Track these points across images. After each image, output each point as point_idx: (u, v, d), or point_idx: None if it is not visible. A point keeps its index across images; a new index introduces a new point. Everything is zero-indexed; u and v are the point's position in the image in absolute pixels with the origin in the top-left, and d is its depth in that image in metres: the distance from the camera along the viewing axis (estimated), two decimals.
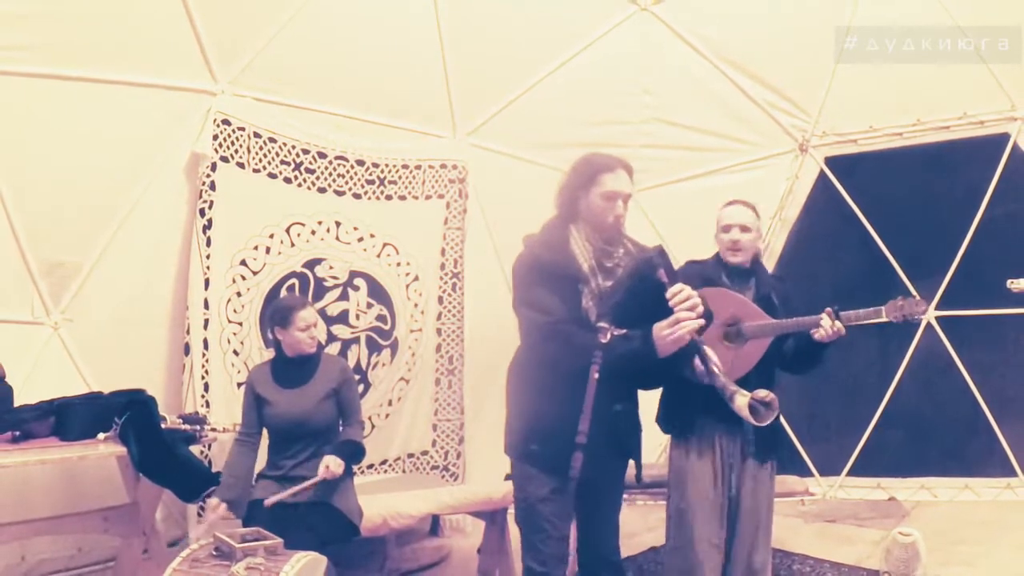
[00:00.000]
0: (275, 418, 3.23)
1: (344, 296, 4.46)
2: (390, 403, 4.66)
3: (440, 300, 4.89)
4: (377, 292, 4.60)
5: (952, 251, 5.17)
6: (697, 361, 2.31)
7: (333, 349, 4.37)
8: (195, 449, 3.57)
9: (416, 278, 4.76)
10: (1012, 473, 5.11)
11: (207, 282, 3.94)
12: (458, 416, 4.92)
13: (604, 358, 2.24)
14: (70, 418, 3.23)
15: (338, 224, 4.43)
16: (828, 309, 2.77)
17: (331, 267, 4.40)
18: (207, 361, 3.94)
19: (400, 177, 4.67)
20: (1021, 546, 4.22)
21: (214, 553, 2.54)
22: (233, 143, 4.01)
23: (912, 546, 3.60)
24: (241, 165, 4.04)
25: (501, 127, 5.07)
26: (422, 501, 3.73)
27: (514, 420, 2.57)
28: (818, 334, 2.77)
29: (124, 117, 3.73)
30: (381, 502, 3.56)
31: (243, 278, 4.08)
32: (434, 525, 4.63)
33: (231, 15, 3.97)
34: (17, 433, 3.13)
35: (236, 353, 4.05)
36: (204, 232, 3.92)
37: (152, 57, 3.78)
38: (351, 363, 4.35)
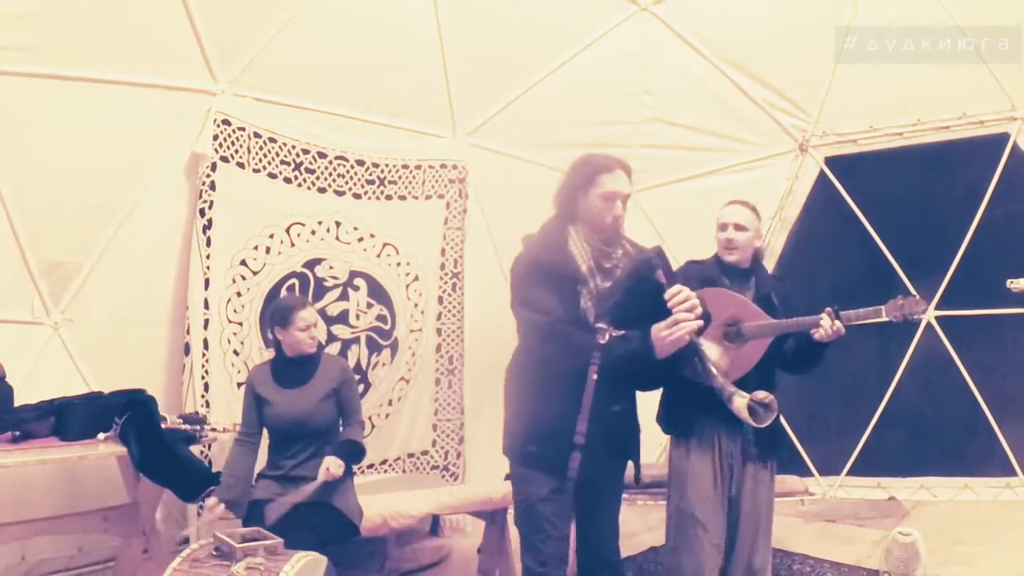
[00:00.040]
0: (275, 418, 3.23)
1: (344, 296, 4.46)
2: (390, 403, 4.66)
3: (440, 300, 4.89)
4: (377, 292, 4.60)
5: (952, 251, 5.17)
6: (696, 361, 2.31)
7: (333, 349, 4.37)
8: (195, 449, 3.56)
9: (416, 278, 4.76)
10: (1012, 473, 5.11)
11: (207, 282, 3.94)
12: (458, 416, 4.92)
13: (602, 359, 2.24)
14: (70, 418, 3.23)
15: (338, 224, 4.43)
16: (828, 309, 2.77)
17: (331, 267, 4.40)
18: (207, 361, 3.94)
19: (400, 177, 4.67)
20: (1021, 546, 4.22)
21: (214, 553, 2.55)
22: (233, 143, 4.01)
23: (912, 546, 3.60)
24: (241, 165, 4.04)
25: (501, 127, 5.07)
26: (422, 501, 3.73)
27: (512, 421, 2.56)
28: (818, 334, 2.77)
29: (124, 117, 3.73)
30: (381, 502, 3.56)
31: (243, 278, 4.08)
32: (434, 525, 4.63)
33: (231, 15, 3.97)
34: (17, 433, 3.13)
35: (236, 353, 4.05)
36: (204, 232, 3.92)
37: (152, 57, 3.78)
38: (351, 363, 4.35)
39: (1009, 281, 3.25)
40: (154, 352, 3.95)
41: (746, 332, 2.89)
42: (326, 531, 3.03)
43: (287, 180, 4.22)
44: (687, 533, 2.93)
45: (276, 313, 3.31)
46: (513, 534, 3.14)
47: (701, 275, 3.00)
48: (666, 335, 2.25)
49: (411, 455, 4.75)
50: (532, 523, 2.48)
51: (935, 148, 5.24)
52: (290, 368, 3.29)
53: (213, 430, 3.61)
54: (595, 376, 2.22)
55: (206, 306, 3.94)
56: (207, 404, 3.90)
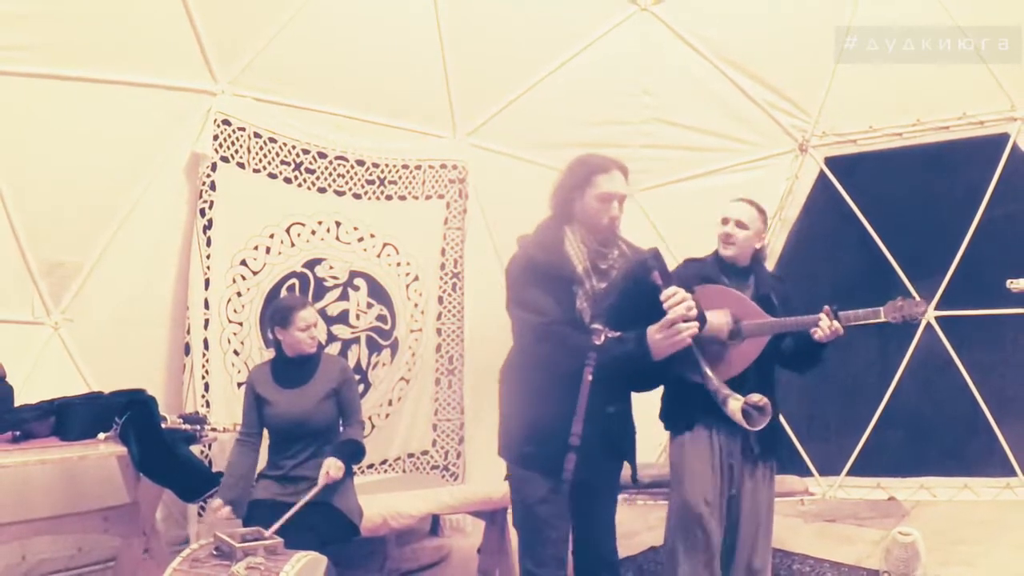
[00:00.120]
0: (275, 418, 3.23)
1: (344, 296, 4.46)
2: (390, 403, 4.67)
3: (440, 300, 4.90)
4: (377, 292, 4.60)
5: (952, 251, 5.17)
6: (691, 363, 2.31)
7: (333, 349, 4.37)
8: (195, 449, 3.57)
9: (416, 278, 4.76)
10: (1011, 473, 5.11)
11: (207, 282, 3.94)
12: (458, 416, 4.92)
13: (598, 360, 2.24)
14: (70, 418, 3.23)
15: (338, 224, 4.43)
16: (826, 307, 2.77)
17: (331, 267, 4.41)
18: (207, 361, 3.94)
19: (400, 177, 4.67)
20: (1020, 546, 4.22)
21: (214, 553, 2.55)
22: (233, 143, 4.01)
23: (912, 546, 3.60)
24: (241, 165, 4.04)
25: (501, 127, 5.07)
26: (422, 501, 3.73)
27: (507, 422, 2.56)
28: (817, 334, 2.77)
29: (124, 117, 3.73)
30: (381, 502, 3.56)
31: (243, 278, 4.08)
32: (434, 525, 4.63)
33: (231, 15, 3.97)
34: (17, 433, 3.13)
35: (236, 353, 4.06)
36: (204, 232, 3.92)
37: (152, 57, 3.78)
38: (351, 363, 4.35)
39: (1009, 281, 3.25)
40: (154, 352, 3.95)
41: (744, 330, 2.89)
42: (326, 531, 3.03)
43: (287, 180, 4.23)
44: (687, 533, 2.93)
45: (276, 313, 3.31)
46: (513, 534, 3.13)
47: (700, 273, 3.00)
48: (661, 337, 2.25)
49: (411, 455, 4.76)
50: (530, 525, 2.48)
51: (935, 148, 5.24)
52: (290, 368, 3.29)
53: (213, 430, 3.61)
54: (590, 377, 2.22)
55: (206, 306, 3.94)
56: (207, 404, 3.91)
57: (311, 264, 4.33)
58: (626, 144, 5.23)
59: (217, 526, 3.00)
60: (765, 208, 3.17)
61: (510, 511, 3.01)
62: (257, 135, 4.10)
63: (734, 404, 2.27)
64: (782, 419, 4.13)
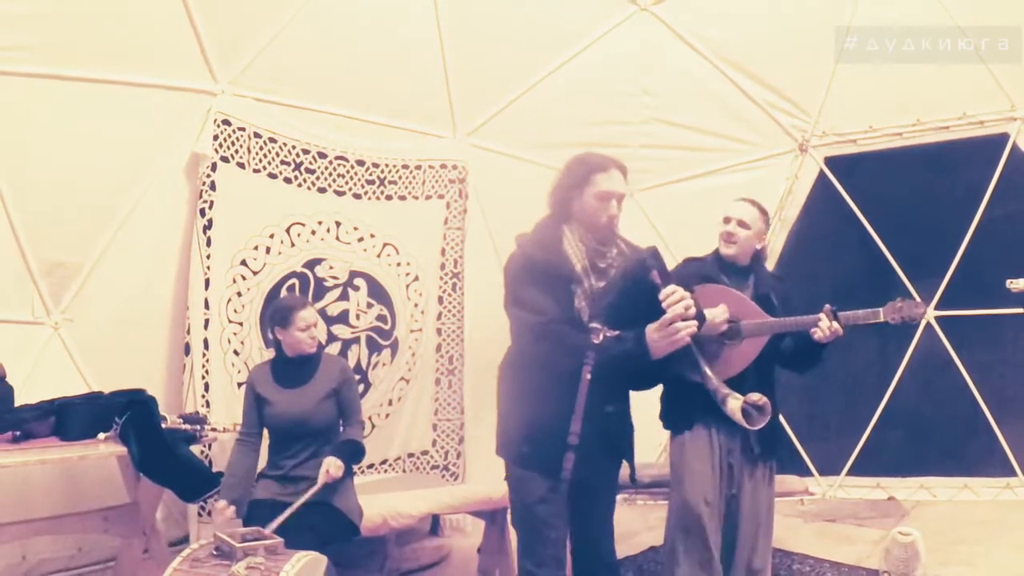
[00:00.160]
0: (275, 418, 3.24)
1: (344, 296, 4.47)
2: (390, 403, 4.67)
3: (440, 300, 4.90)
4: (377, 292, 4.60)
5: (951, 251, 5.17)
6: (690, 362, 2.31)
7: (333, 349, 4.37)
8: (195, 449, 3.57)
9: (416, 278, 4.76)
10: (1011, 473, 5.11)
11: (207, 282, 3.94)
12: (458, 416, 4.92)
13: (597, 359, 2.24)
14: (70, 418, 3.23)
15: (338, 224, 4.44)
16: (826, 308, 2.77)
17: (331, 267, 4.41)
18: (207, 361, 3.94)
19: (400, 177, 4.67)
20: (1020, 546, 4.22)
21: (214, 553, 2.54)
22: (233, 143, 4.01)
23: (911, 546, 3.60)
24: (241, 165, 4.04)
25: (501, 127, 5.07)
26: (422, 501, 3.73)
27: (506, 421, 2.56)
28: (816, 335, 2.77)
29: (124, 117, 3.73)
30: (381, 502, 3.56)
31: (243, 278, 4.08)
32: (434, 525, 4.63)
33: (231, 15, 3.97)
34: (17, 433, 3.13)
35: (236, 353, 4.06)
36: (204, 232, 3.92)
37: (152, 57, 3.78)
38: (351, 363, 4.35)
39: (1009, 281, 3.25)
40: (154, 352, 3.95)
41: (744, 330, 2.89)
42: (326, 531, 3.03)
43: (287, 180, 4.23)
44: (687, 533, 2.93)
45: (276, 313, 3.32)
46: (513, 534, 3.14)
47: (699, 272, 3.01)
48: (659, 336, 2.24)
49: (411, 455, 4.76)
50: (529, 524, 2.48)
51: (935, 148, 5.24)
52: (290, 368, 3.29)
53: (213, 430, 3.61)
54: (589, 376, 2.22)
55: (206, 306, 3.94)
56: (207, 404, 3.91)
57: (311, 264, 4.33)
58: (626, 144, 5.23)
59: (223, 527, 3.00)
60: (767, 208, 3.17)
61: (509, 511, 3.02)
62: (257, 135, 4.10)
63: (733, 403, 2.27)
64: (782, 419, 4.14)
